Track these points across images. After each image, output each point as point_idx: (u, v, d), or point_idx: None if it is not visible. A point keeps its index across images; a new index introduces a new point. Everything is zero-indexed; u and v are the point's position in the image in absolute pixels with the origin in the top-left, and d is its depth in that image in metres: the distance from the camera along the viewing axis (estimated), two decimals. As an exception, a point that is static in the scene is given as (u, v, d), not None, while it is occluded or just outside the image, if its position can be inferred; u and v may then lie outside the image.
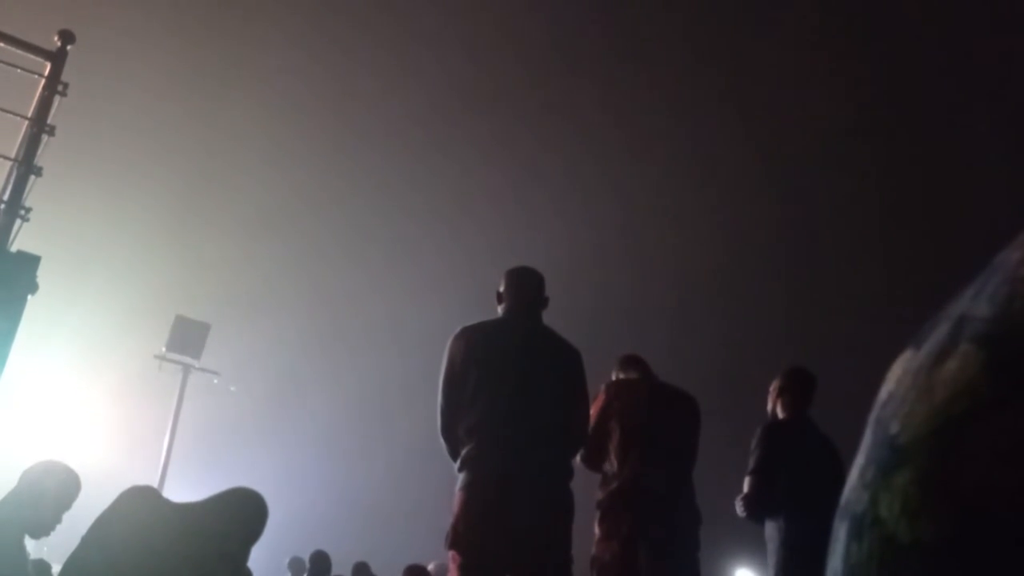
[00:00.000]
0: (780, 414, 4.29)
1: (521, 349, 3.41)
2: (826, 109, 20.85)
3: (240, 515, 3.03)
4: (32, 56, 6.01)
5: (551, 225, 21.30)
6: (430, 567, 7.35)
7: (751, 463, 4.07)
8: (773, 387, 4.38)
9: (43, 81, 5.94)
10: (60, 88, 5.92)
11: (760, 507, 4.03)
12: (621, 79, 21.96)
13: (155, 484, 13.26)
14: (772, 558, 3.94)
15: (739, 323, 20.27)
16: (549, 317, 3.63)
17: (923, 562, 0.49)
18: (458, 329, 3.46)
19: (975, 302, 0.56)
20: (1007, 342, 0.51)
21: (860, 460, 0.63)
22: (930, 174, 19.51)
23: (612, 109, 22.25)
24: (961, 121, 18.86)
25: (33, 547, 3.96)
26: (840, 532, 0.60)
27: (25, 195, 5.53)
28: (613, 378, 4.38)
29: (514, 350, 3.40)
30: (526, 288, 3.63)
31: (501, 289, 3.64)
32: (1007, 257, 0.57)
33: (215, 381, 15.78)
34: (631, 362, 4.37)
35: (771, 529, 3.99)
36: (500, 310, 3.62)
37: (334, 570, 7.97)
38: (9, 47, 5.93)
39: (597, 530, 3.90)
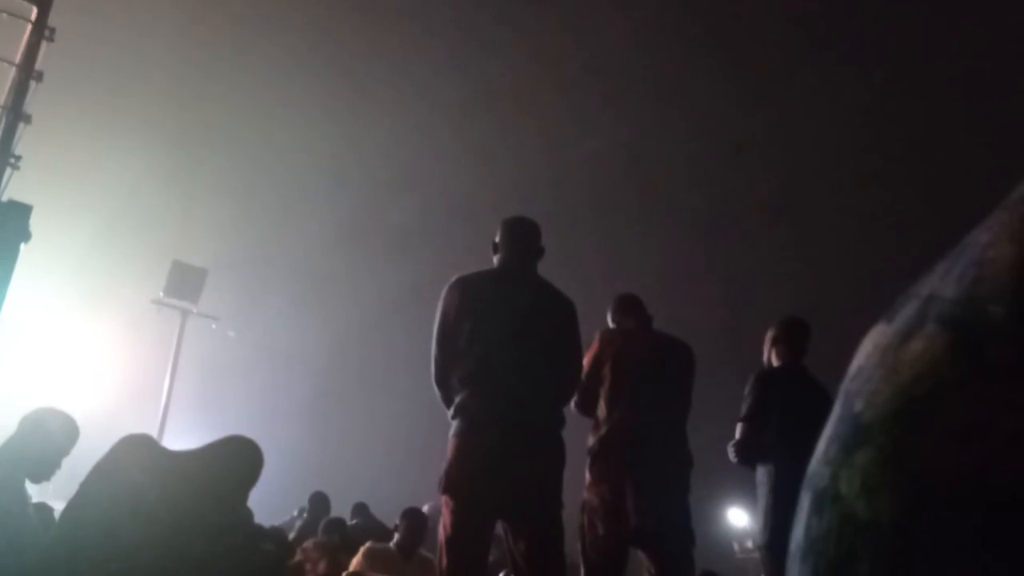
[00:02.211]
0: (775, 363, 4.34)
1: (515, 299, 3.43)
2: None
3: (235, 462, 3.07)
4: (17, 0, 5.90)
5: (544, 166, 21.20)
6: (425, 508, 7.46)
7: (743, 410, 4.14)
8: (768, 336, 4.43)
9: (29, 26, 5.84)
10: (47, 33, 5.82)
11: (750, 452, 4.10)
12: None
13: (155, 429, 13.40)
14: (761, 502, 4.02)
15: (739, 272, 20.30)
16: (543, 267, 3.64)
17: (879, 539, 0.50)
18: (453, 278, 3.47)
19: (944, 282, 0.57)
20: (971, 325, 0.52)
21: (827, 432, 0.64)
22: (930, 133, 19.35)
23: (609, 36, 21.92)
24: (960, 78, 18.65)
25: (36, 491, 4.02)
26: (804, 504, 0.61)
27: (15, 143, 5.48)
28: (609, 319, 4.41)
29: (508, 300, 3.41)
30: (521, 238, 3.62)
31: (497, 239, 3.64)
32: (976, 238, 0.57)
33: (213, 326, 15.85)
34: (627, 304, 4.38)
35: (761, 474, 4.06)
36: (495, 260, 3.62)
37: (333, 511, 8.09)
38: (-6, -9, 5.82)
39: (587, 475, 3.97)
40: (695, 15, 21.03)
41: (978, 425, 0.48)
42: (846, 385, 0.64)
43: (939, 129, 18.83)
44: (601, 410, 3.99)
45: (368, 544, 5.24)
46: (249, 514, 3.23)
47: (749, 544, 18.25)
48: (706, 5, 21.18)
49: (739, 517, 19.87)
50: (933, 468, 0.50)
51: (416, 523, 5.35)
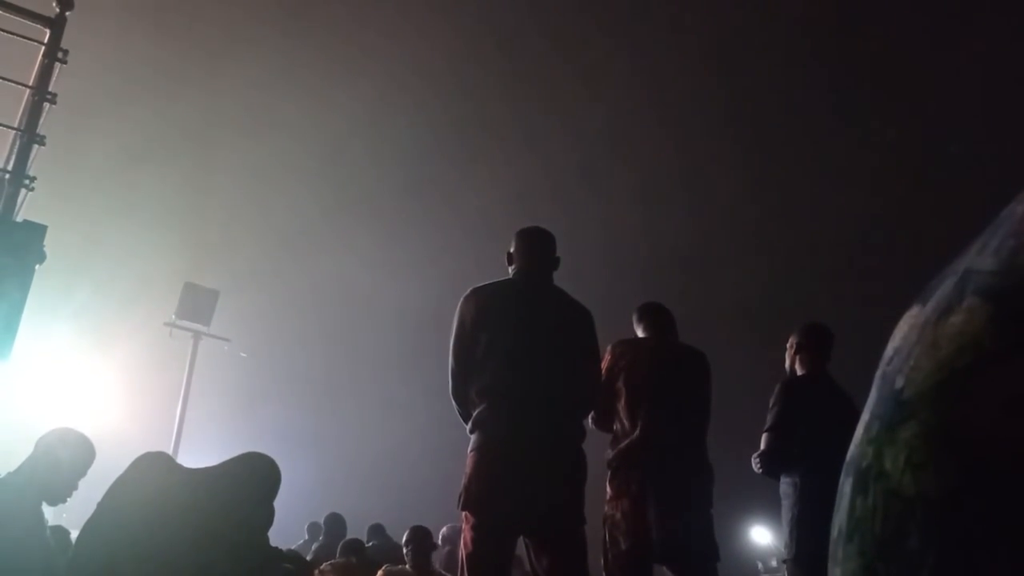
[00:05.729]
0: (798, 371, 4.29)
1: (531, 310, 3.40)
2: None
3: (252, 479, 3.06)
4: (31, 23, 5.96)
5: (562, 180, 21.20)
6: (444, 530, 7.41)
7: (768, 420, 4.08)
8: (790, 344, 4.38)
9: (43, 48, 5.89)
10: (60, 55, 5.88)
11: (776, 463, 4.04)
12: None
13: (169, 450, 13.40)
14: (787, 514, 3.96)
15: (758, 279, 20.23)
16: (559, 277, 3.62)
17: (927, 514, 0.49)
18: (468, 290, 3.45)
19: (981, 256, 0.56)
20: (1013, 295, 0.51)
21: (866, 416, 0.62)
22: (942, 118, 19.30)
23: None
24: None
25: (51, 514, 4.01)
26: (845, 487, 0.60)
27: (29, 164, 5.52)
28: (634, 324, 4.35)
29: (524, 311, 3.38)
30: (537, 248, 3.60)
31: (511, 249, 3.62)
32: (1013, 210, 0.56)
33: (225, 348, 15.88)
34: (643, 313, 4.33)
35: (786, 486, 4.01)
36: (510, 271, 3.60)
37: (349, 532, 8.05)
38: (7, 14, 5.88)
39: (608, 489, 3.92)
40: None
41: None
42: (882, 369, 0.63)
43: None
44: (620, 424, 3.95)
45: (385, 567, 5.21)
46: (269, 521, 3.19)
47: (773, 563, 18.06)
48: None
49: (762, 535, 19.63)
50: (979, 439, 0.49)
51: (420, 539, 5.32)
